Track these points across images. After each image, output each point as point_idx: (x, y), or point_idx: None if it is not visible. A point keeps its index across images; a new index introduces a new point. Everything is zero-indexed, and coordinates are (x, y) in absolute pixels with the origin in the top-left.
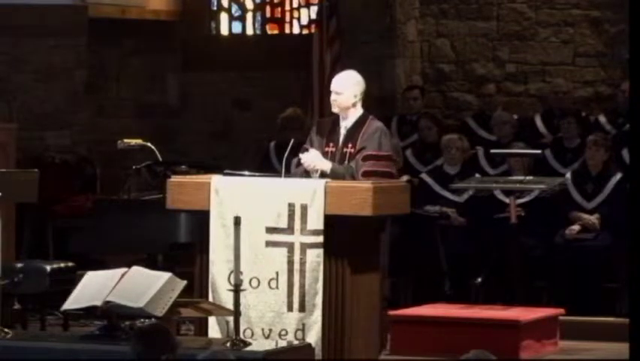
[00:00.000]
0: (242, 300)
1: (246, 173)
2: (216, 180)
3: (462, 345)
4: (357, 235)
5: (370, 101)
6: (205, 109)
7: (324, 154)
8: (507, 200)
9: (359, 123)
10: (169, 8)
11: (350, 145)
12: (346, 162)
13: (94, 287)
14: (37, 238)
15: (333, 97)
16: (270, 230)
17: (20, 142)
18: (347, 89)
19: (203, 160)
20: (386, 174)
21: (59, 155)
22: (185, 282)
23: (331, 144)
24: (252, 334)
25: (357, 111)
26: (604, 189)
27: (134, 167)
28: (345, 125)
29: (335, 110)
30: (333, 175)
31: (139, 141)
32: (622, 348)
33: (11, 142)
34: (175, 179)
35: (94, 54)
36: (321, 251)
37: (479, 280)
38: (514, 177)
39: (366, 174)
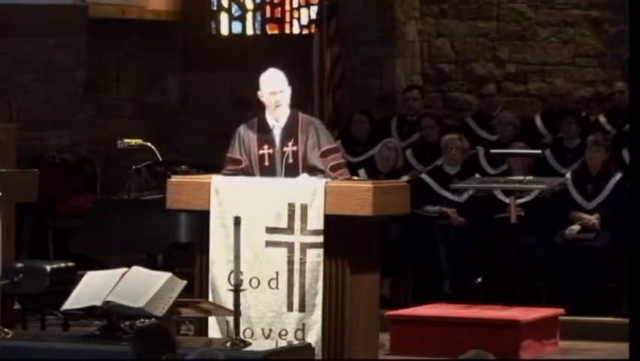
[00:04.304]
0: (242, 300)
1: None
2: (216, 180)
3: (462, 345)
4: (357, 235)
5: (370, 101)
6: (205, 109)
7: (261, 157)
8: (507, 200)
9: (292, 120)
10: (169, 8)
11: (290, 143)
12: (290, 160)
13: (94, 287)
14: (37, 238)
15: (277, 97)
16: (270, 230)
17: (20, 142)
18: (286, 86)
19: (203, 160)
20: (346, 164)
21: (59, 155)
22: (185, 282)
23: (266, 146)
24: (252, 334)
25: (287, 108)
26: (604, 189)
27: (134, 167)
28: (278, 124)
29: (281, 110)
30: None
31: (139, 141)
32: (622, 348)
33: (11, 142)
34: (175, 179)
35: (94, 54)
36: (321, 251)
37: (479, 280)
38: (514, 177)
39: (335, 168)
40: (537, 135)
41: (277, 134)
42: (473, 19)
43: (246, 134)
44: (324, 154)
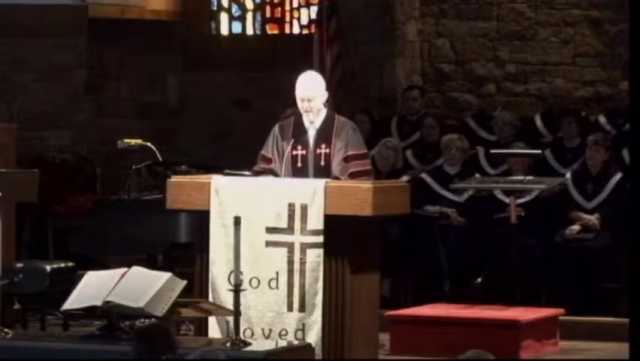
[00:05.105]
0: (242, 300)
1: (246, 173)
2: (216, 180)
3: (462, 345)
4: (357, 235)
5: (370, 101)
6: (205, 109)
7: (294, 158)
8: (507, 200)
9: (328, 122)
10: (169, 8)
11: (324, 146)
12: (322, 162)
13: (94, 287)
14: (37, 238)
15: (306, 105)
16: (270, 230)
17: (20, 142)
18: (318, 93)
19: (203, 160)
20: (370, 172)
21: (59, 155)
22: (185, 282)
23: (299, 147)
24: (252, 334)
25: (323, 110)
26: (604, 189)
27: (134, 167)
28: (313, 125)
29: (310, 117)
30: None
31: (139, 141)
32: (622, 348)
33: (11, 142)
34: (175, 179)
35: (94, 54)
36: (321, 251)
37: (479, 280)
38: (514, 177)
39: (354, 175)
40: (537, 135)
41: (312, 135)
42: (473, 19)
43: (280, 133)
44: (347, 159)
